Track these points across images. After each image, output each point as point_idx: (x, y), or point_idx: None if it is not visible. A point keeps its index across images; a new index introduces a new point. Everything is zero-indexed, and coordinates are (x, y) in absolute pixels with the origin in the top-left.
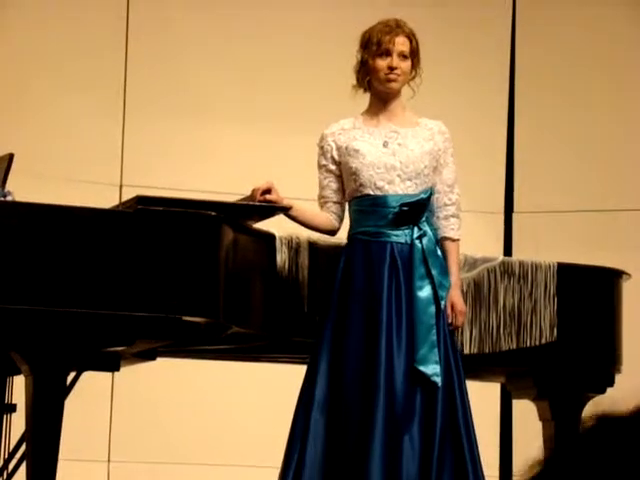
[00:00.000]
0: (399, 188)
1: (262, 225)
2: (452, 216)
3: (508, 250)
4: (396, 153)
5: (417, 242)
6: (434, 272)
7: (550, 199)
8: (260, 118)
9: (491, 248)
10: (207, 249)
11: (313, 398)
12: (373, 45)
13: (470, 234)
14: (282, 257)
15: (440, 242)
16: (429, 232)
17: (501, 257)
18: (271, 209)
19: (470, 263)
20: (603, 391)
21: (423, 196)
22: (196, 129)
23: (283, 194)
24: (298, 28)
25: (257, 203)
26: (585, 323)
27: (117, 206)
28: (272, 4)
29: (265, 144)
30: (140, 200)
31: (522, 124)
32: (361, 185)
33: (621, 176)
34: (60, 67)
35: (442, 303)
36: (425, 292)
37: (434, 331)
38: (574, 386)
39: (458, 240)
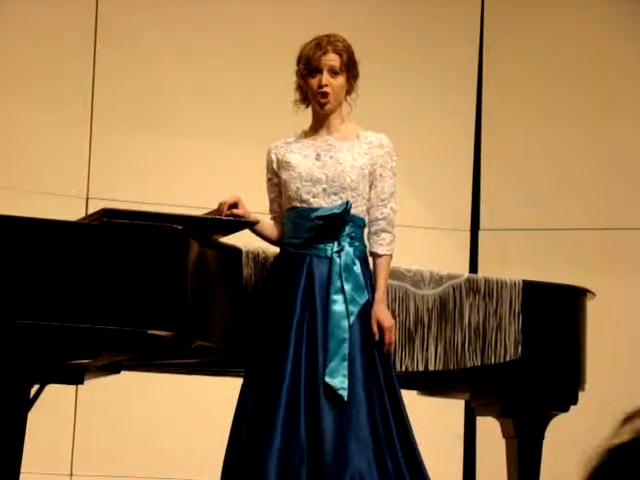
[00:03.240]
0: (324, 202)
1: (229, 239)
2: (382, 231)
3: (474, 267)
4: (326, 166)
5: (336, 256)
6: (347, 287)
7: (516, 217)
8: (226, 132)
9: (457, 265)
10: (173, 263)
11: (244, 409)
12: (305, 64)
13: (436, 251)
14: (248, 271)
15: (371, 257)
16: (347, 247)
17: (467, 274)
18: (238, 224)
19: (436, 280)
20: (567, 409)
21: (336, 211)
22: (163, 143)
23: (250, 208)
24: (263, 45)
25: (224, 217)
26: (549, 341)
27: (83, 219)
28: (239, 22)
29: (232, 158)
30: (106, 213)
31: (489, 141)
32: (289, 197)
33: (587, 195)
34: (28, 81)
35: (352, 318)
36: (339, 306)
37: (346, 345)
38: (538, 404)
39: (387, 255)
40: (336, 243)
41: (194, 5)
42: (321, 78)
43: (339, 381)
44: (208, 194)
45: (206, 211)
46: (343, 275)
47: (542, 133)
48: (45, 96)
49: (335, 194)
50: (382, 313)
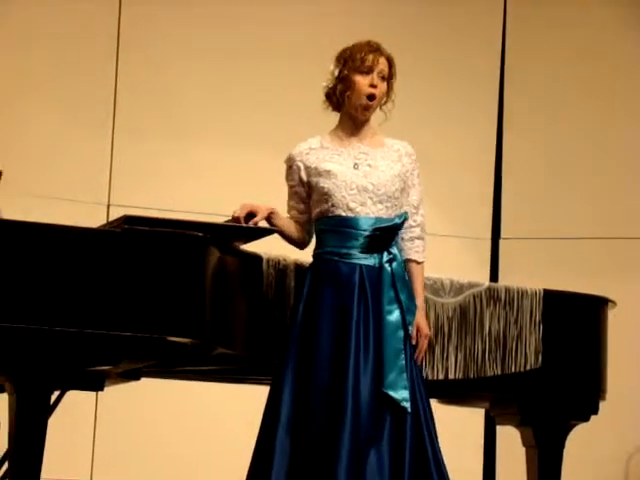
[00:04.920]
0: (370, 210)
1: (249, 246)
2: (417, 238)
3: (494, 276)
4: (367, 175)
5: (387, 266)
6: (402, 297)
7: (537, 226)
8: (247, 139)
9: (478, 274)
10: (194, 270)
11: (278, 419)
12: (356, 61)
13: (457, 259)
14: (268, 279)
15: (405, 264)
16: (398, 256)
17: (487, 283)
18: (258, 231)
19: (456, 288)
20: (587, 419)
21: (397, 221)
22: (184, 150)
23: None
24: (284, 50)
25: (244, 225)
26: (570, 350)
27: (104, 225)
28: (258, 26)
29: (253, 165)
30: (127, 220)
31: (510, 150)
32: (333, 206)
33: (608, 204)
34: (50, 86)
35: (410, 328)
36: (394, 316)
37: (402, 356)
38: (558, 413)
39: (423, 262)
40: (386, 252)
41: (218, 9)
42: (372, 78)
43: (400, 393)
44: (229, 201)
45: (227, 218)
46: (398, 285)
47: (563, 141)
48: (67, 103)
49: (381, 202)
50: (423, 321)
